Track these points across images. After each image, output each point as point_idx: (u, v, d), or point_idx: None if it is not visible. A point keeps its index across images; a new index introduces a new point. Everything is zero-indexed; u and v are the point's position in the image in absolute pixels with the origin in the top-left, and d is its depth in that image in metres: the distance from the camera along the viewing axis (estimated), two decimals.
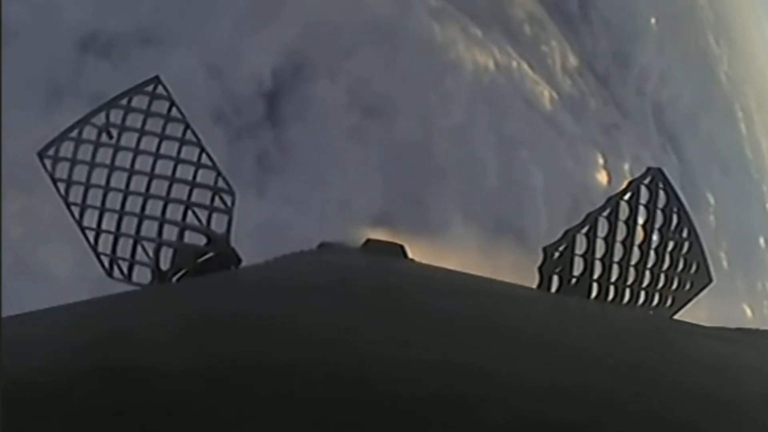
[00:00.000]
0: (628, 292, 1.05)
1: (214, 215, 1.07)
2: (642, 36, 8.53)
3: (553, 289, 1.00)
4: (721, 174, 8.93)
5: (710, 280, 1.17)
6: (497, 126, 5.93)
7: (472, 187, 5.54)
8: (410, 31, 5.81)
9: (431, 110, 5.63)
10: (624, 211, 1.04)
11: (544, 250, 0.99)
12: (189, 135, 1.09)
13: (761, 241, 9.45)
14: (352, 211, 4.63)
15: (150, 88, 1.10)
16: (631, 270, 1.05)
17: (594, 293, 1.02)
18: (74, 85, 3.90)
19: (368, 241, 1.20)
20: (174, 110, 1.10)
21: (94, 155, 1.08)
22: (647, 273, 1.06)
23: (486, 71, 6.22)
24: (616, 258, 1.03)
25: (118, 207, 1.06)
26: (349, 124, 5.14)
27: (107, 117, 1.09)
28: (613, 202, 1.04)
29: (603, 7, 8.00)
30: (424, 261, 1.02)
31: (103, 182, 1.07)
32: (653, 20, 8.73)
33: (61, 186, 1.09)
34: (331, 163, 4.87)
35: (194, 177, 1.07)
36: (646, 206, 1.07)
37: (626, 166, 7.12)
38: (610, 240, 1.02)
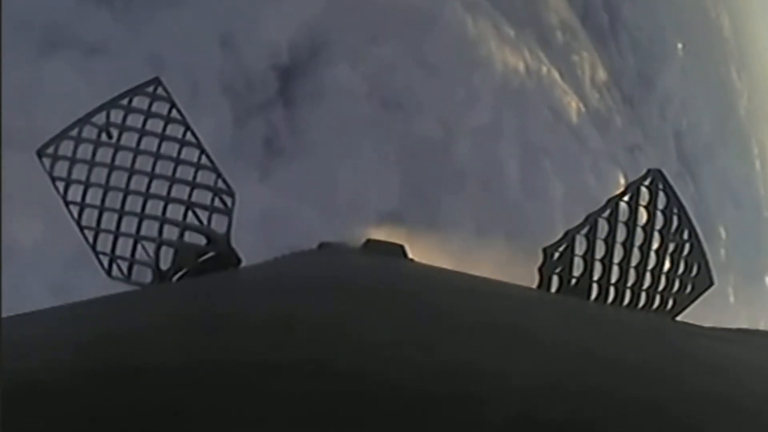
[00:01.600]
0: (628, 293, 1.05)
1: (214, 215, 1.08)
2: (668, 60, 8.49)
3: (553, 289, 1.00)
4: (733, 208, 8.91)
5: (711, 283, 1.16)
6: (522, 132, 5.76)
7: (490, 194, 5.31)
8: (442, 21, 5.57)
9: (455, 108, 5.40)
10: (624, 212, 1.05)
11: (544, 250, 0.99)
12: (189, 136, 1.09)
13: (767, 280, 9.42)
14: (362, 208, 4.41)
15: (150, 89, 1.11)
16: (632, 271, 1.05)
17: (594, 294, 1.02)
18: (70, 34, 3.72)
19: (368, 241, 1.21)
20: (174, 111, 1.10)
21: (93, 155, 1.09)
22: (648, 275, 1.06)
23: (516, 73, 6.06)
24: (617, 259, 1.03)
25: (117, 207, 1.07)
26: (366, 114, 4.86)
27: (107, 117, 1.10)
28: (613, 203, 1.04)
29: (632, 26, 7.94)
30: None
31: (102, 182, 1.08)
32: (680, 45, 8.70)
33: (60, 185, 1.10)
34: (344, 153, 4.61)
35: (194, 177, 1.08)
36: (646, 207, 1.07)
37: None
38: (610, 241, 1.02)
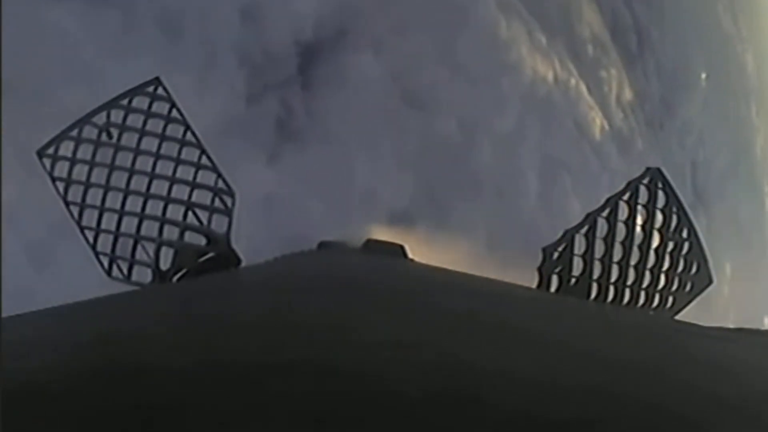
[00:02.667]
0: (627, 292, 1.05)
1: (214, 216, 1.08)
2: (690, 89, 8.37)
3: (553, 289, 1.00)
4: (739, 246, 8.84)
5: (711, 281, 1.17)
6: (544, 143, 5.57)
7: (505, 204, 5.07)
8: (475, 19, 5.37)
9: (479, 111, 5.20)
10: (623, 211, 1.05)
11: (544, 250, 0.99)
12: (189, 136, 1.10)
13: (766, 321, 9.38)
14: (371, 205, 4.21)
15: (151, 89, 1.11)
16: (631, 270, 1.05)
17: (593, 294, 1.02)
18: None
19: (368, 241, 1.21)
20: (174, 111, 1.11)
21: (94, 155, 1.09)
22: (647, 273, 1.06)
23: (544, 82, 5.90)
24: (616, 258, 1.03)
25: (117, 207, 1.07)
26: (385, 107, 4.62)
27: (108, 117, 1.10)
28: (613, 202, 1.04)
29: (659, 50, 7.79)
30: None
31: (102, 182, 1.08)
32: (703, 76, 8.60)
33: (60, 185, 1.10)
34: (358, 146, 4.38)
35: (194, 177, 1.08)
36: (645, 206, 1.07)
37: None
38: (609, 240, 1.03)
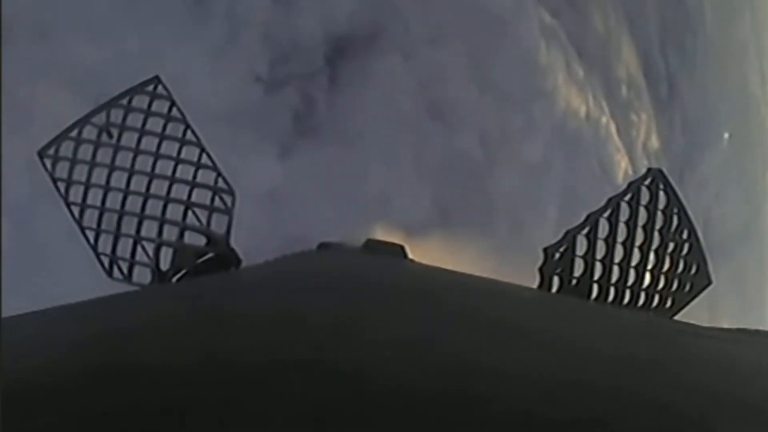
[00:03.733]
0: (628, 293, 1.06)
1: (214, 216, 1.08)
2: (712, 146, 8.25)
3: (554, 289, 1.00)
4: (739, 309, 8.79)
5: (710, 282, 1.18)
6: (567, 178, 5.38)
7: (519, 236, 4.78)
8: (515, 37, 5.21)
9: (505, 135, 4.96)
10: (624, 212, 1.05)
11: (545, 250, 0.99)
12: (189, 135, 1.10)
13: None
14: (382, 214, 3.93)
15: (150, 87, 1.12)
16: (632, 271, 1.05)
17: (594, 294, 1.03)
18: None
19: (368, 241, 1.21)
20: (174, 110, 1.11)
21: (94, 155, 1.09)
22: (647, 274, 1.07)
23: (575, 116, 5.74)
24: (617, 259, 1.04)
25: (118, 207, 1.08)
26: (408, 116, 4.43)
27: (107, 116, 1.10)
28: (614, 203, 1.05)
29: (687, 102, 7.64)
30: None
31: (103, 182, 1.09)
32: (726, 135, 8.56)
33: (61, 186, 1.11)
34: (376, 151, 4.17)
35: (194, 177, 1.08)
36: (646, 207, 1.07)
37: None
38: (610, 241, 1.03)
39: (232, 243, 1.08)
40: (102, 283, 1.08)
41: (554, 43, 5.59)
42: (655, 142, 7.01)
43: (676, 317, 1.13)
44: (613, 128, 6.23)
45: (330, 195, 3.80)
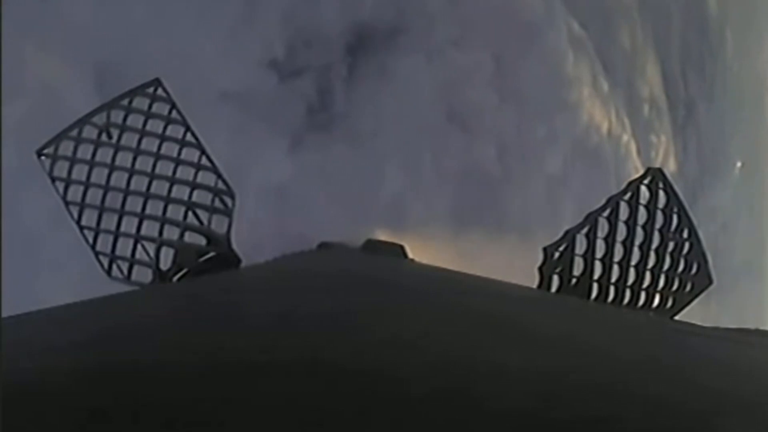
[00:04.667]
0: (628, 292, 1.06)
1: (214, 216, 1.08)
2: (724, 175, 8.11)
3: (554, 289, 1.00)
4: None
5: (710, 282, 1.18)
6: (584, 196, 4.93)
7: (531, 251, 4.58)
8: (543, 45, 5.04)
9: (524, 146, 4.74)
10: (624, 211, 1.06)
11: (545, 250, 1.00)
12: (189, 137, 1.10)
13: None
14: (394, 219, 3.74)
15: (151, 90, 1.12)
16: (632, 270, 1.05)
17: (594, 293, 1.03)
18: None
19: (368, 241, 1.23)
20: (174, 112, 1.11)
21: (93, 155, 1.10)
22: (647, 274, 1.07)
23: (597, 132, 5.54)
24: (617, 258, 1.04)
25: (117, 207, 1.08)
26: (426, 119, 4.22)
27: (108, 117, 1.11)
28: (614, 202, 1.05)
29: (702, 127, 7.46)
30: None
31: (102, 182, 1.09)
32: (738, 164, 8.49)
33: (60, 185, 1.11)
34: (391, 153, 3.95)
35: (194, 178, 1.09)
36: (646, 207, 1.07)
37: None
38: (610, 240, 1.03)
39: (233, 241, 1.08)
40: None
41: (582, 55, 5.46)
42: (672, 166, 6.92)
43: (676, 317, 1.12)
44: (633, 147, 6.13)
45: (340, 196, 3.63)
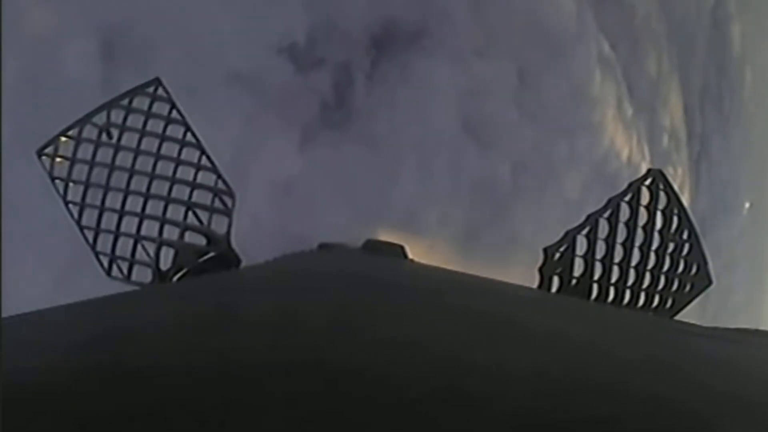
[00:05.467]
0: (628, 293, 1.06)
1: (214, 216, 1.09)
2: (732, 214, 7.96)
3: (554, 289, 1.01)
4: None
5: (710, 282, 1.18)
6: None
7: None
8: (571, 62, 4.89)
9: (541, 165, 4.60)
10: (624, 212, 1.06)
11: (545, 250, 1.00)
12: (189, 137, 1.11)
13: None
14: (406, 228, 3.65)
15: (151, 89, 1.13)
16: (632, 271, 1.06)
17: (594, 294, 1.03)
18: None
19: (368, 241, 1.22)
20: (174, 112, 1.12)
21: (94, 155, 1.10)
22: (647, 274, 1.08)
23: (617, 158, 5.42)
24: (617, 259, 1.04)
25: (117, 207, 1.08)
26: (443, 127, 4.07)
27: (108, 117, 1.11)
28: (614, 203, 1.05)
29: (715, 163, 7.23)
30: None
31: (102, 182, 1.09)
32: (747, 205, 8.42)
33: (60, 185, 1.11)
34: (405, 158, 3.81)
35: (194, 178, 1.09)
36: (646, 208, 1.08)
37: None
38: (610, 241, 1.04)
39: (233, 239, 1.08)
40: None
41: (609, 76, 5.33)
42: (686, 200, 6.88)
43: (676, 317, 1.13)
44: None
45: (350, 197, 3.52)
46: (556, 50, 4.74)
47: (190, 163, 1.08)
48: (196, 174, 1.08)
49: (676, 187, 1.11)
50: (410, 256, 1.13)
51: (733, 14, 7.31)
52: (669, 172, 5.39)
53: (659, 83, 6.38)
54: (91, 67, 2.79)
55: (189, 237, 1.07)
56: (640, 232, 1.06)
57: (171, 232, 1.07)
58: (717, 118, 7.39)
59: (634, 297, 1.06)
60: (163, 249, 1.06)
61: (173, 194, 1.08)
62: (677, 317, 1.13)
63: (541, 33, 4.63)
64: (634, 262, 1.05)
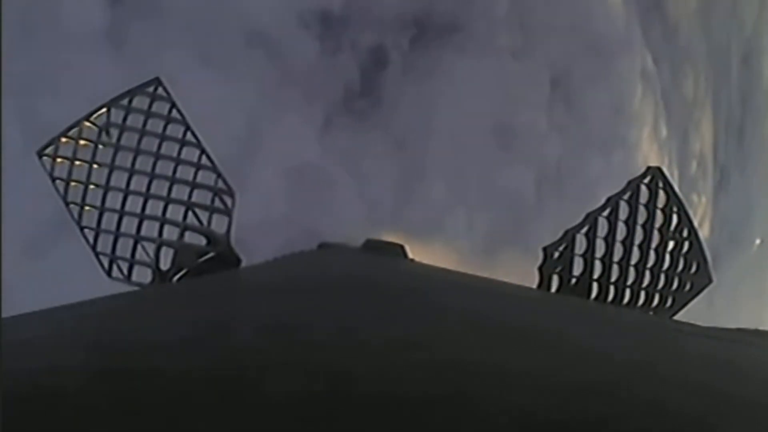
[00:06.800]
0: (628, 292, 1.06)
1: (214, 216, 1.09)
2: (742, 250, 7.70)
3: (553, 289, 1.01)
4: None
5: (710, 281, 1.18)
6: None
7: None
8: (616, 72, 4.66)
9: (568, 180, 4.31)
10: (624, 210, 1.06)
11: (544, 249, 1.00)
12: (189, 136, 1.11)
13: None
14: (428, 234, 3.44)
15: (151, 89, 1.13)
16: (631, 270, 1.06)
17: (594, 293, 1.03)
18: None
19: (368, 240, 1.22)
20: (174, 111, 1.12)
21: (94, 155, 1.11)
22: (647, 273, 1.07)
23: None
24: (616, 258, 1.04)
25: (117, 207, 1.09)
26: (471, 129, 3.82)
27: (108, 117, 1.12)
28: (613, 201, 1.05)
29: (731, 196, 7.16)
30: None
31: (102, 182, 1.10)
32: (758, 241, 8.22)
33: (60, 185, 1.12)
34: (431, 158, 3.57)
35: (194, 177, 1.09)
36: (646, 206, 1.08)
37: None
38: (610, 240, 1.04)
39: (234, 235, 1.08)
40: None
41: (649, 92, 5.13)
42: (705, 231, 6.64)
43: (676, 317, 1.12)
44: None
45: (367, 193, 3.31)
46: (600, 58, 4.54)
47: (190, 163, 1.09)
48: (196, 173, 1.09)
49: (675, 186, 1.10)
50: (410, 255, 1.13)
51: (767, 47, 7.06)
52: (693, 200, 5.25)
53: (694, 107, 6.18)
54: (97, 13, 2.64)
55: (189, 237, 1.07)
56: (639, 231, 1.06)
57: (171, 232, 1.07)
58: (737, 152, 7.19)
59: (634, 296, 1.06)
60: (163, 249, 1.06)
61: (173, 194, 1.08)
62: (676, 316, 1.13)
63: (584, 37, 4.41)
64: (633, 261, 1.05)
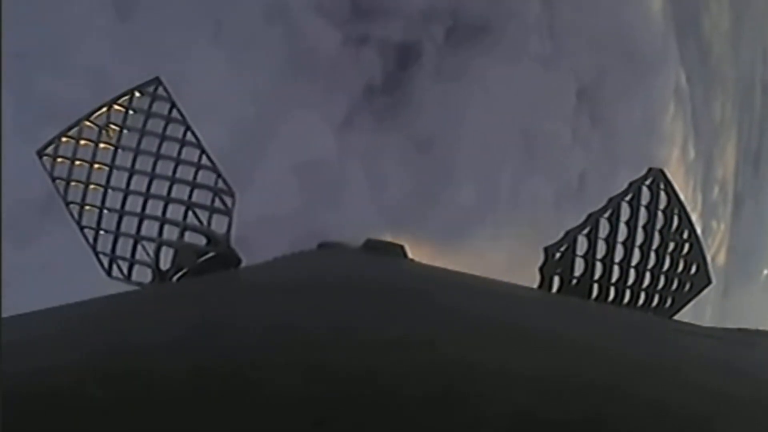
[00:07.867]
0: (628, 292, 1.06)
1: (215, 216, 1.09)
2: (750, 281, 7.61)
3: (554, 289, 1.00)
4: None
5: (709, 281, 1.18)
6: None
7: None
8: (650, 86, 4.49)
9: (588, 199, 4.01)
10: (625, 212, 1.06)
11: (546, 250, 1.00)
12: (189, 136, 1.11)
13: None
14: (450, 247, 3.24)
15: (151, 89, 1.13)
16: (632, 271, 1.06)
17: (594, 294, 1.03)
18: None
19: (368, 240, 1.22)
20: (174, 111, 1.12)
21: (94, 155, 1.11)
22: (647, 274, 1.08)
23: None
24: (617, 259, 1.04)
25: (117, 207, 1.09)
26: (496, 133, 3.64)
27: (108, 117, 1.12)
28: (615, 203, 1.06)
29: (744, 224, 6.90)
30: None
31: (102, 182, 1.10)
32: (765, 272, 8.13)
33: (60, 185, 1.12)
34: (457, 162, 3.39)
35: (194, 177, 1.09)
36: (647, 207, 1.08)
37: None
38: (611, 241, 1.04)
39: (235, 234, 1.09)
40: None
41: (680, 111, 5.00)
42: (722, 258, 6.35)
43: (676, 317, 1.13)
44: (698, 228, 5.87)
45: (379, 199, 3.10)
46: (634, 72, 4.34)
47: (190, 163, 1.09)
48: (196, 173, 1.09)
49: (676, 186, 1.10)
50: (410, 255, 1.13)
51: None
52: (712, 227, 5.16)
53: (721, 131, 6.13)
54: None
55: (189, 237, 1.07)
56: (640, 232, 1.06)
57: (171, 232, 1.07)
58: (752, 180, 7.09)
59: (634, 296, 1.06)
60: (163, 249, 1.06)
61: (173, 194, 1.08)
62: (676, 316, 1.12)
63: (618, 48, 4.18)
64: (634, 262, 1.05)
